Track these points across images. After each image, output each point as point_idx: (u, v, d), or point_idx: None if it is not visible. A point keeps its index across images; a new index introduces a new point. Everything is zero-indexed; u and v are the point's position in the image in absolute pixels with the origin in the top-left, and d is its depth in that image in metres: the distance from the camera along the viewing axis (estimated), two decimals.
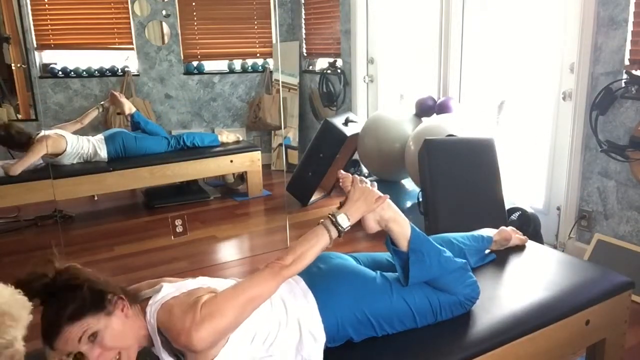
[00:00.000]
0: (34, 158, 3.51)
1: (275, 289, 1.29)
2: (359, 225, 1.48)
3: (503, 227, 2.03)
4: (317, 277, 1.48)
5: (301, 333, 1.38)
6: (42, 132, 3.60)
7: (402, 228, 1.50)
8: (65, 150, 3.65)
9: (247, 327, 1.30)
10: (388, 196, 1.51)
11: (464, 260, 1.58)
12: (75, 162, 3.74)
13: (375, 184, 1.51)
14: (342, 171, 1.53)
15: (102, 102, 4.23)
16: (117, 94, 4.14)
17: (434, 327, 1.52)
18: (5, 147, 3.61)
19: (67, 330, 1.17)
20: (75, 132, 3.87)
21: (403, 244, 1.50)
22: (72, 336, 1.17)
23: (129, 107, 4.14)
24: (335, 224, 1.38)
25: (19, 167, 3.45)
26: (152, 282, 1.46)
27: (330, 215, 1.40)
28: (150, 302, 1.27)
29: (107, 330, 1.19)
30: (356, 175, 1.51)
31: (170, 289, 1.30)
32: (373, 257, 1.72)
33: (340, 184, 1.50)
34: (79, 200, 4.15)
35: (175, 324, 1.20)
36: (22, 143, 3.53)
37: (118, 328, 1.22)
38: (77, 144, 3.73)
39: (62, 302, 1.19)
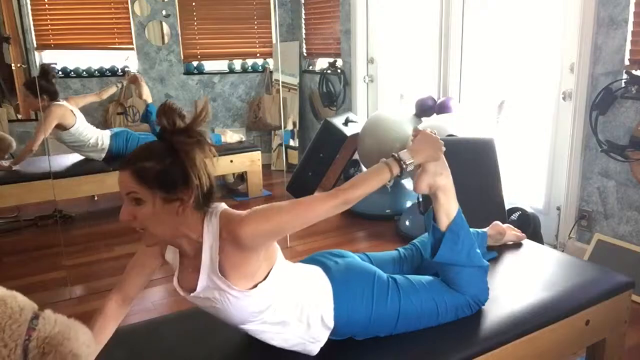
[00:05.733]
0: (48, 126, 3.50)
1: (327, 209, 1.28)
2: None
3: (496, 222, 2.02)
4: (334, 270, 1.49)
5: (316, 312, 1.39)
6: (61, 102, 3.62)
7: (449, 202, 1.54)
8: (72, 127, 3.64)
9: (282, 279, 1.34)
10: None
11: (487, 264, 1.60)
12: (74, 144, 3.73)
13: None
14: (418, 127, 1.54)
15: (120, 80, 4.24)
16: (139, 76, 4.16)
17: (435, 327, 1.52)
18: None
19: (126, 175, 1.17)
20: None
21: (443, 221, 1.53)
22: (124, 183, 1.17)
23: (147, 94, 4.16)
24: (398, 159, 1.38)
25: (38, 139, 3.48)
26: None
27: (393, 154, 1.40)
28: (212, 208, 1.29)
29: (149, 208, 1.18)
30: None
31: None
32: (382, 256, 1.75)
33: (412, 134, 1.52)
34: (79, 200, 4.15)
35: (232, 214, 1.26)
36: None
37: (160, 216, 1.19)
38: (84, 127, 3.72)
39: (149, 153, 1.18)
